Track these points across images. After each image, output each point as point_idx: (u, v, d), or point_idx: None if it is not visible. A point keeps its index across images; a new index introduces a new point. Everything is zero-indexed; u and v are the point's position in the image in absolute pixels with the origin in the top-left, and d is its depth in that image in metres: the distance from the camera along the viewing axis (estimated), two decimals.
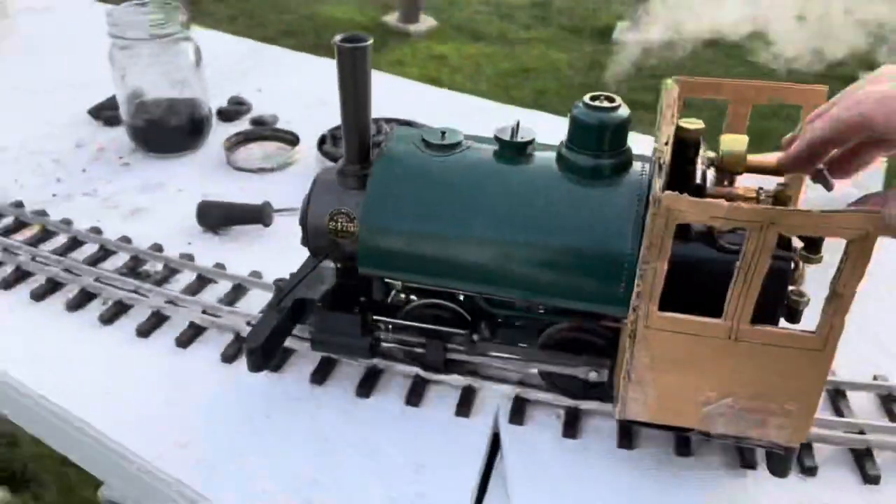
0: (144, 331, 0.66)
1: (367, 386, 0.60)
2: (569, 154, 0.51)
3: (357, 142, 0.55)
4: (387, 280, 0.56)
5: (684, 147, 0.49)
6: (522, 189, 0.50)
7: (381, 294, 0.57)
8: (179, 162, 0.93)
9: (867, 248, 0.40)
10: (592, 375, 0.54)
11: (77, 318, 0.68)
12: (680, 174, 0.50)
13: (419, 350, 0.58)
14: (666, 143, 0.44)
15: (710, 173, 0.50)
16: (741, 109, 0.56)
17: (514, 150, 0.52)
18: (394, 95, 0.91)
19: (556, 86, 2.97)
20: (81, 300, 0.69)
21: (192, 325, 0.66)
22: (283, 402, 0.60)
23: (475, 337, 0.56)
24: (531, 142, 0.52)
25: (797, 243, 0.47)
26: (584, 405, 0.57)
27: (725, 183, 0.50)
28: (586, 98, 0.50)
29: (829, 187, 0.49)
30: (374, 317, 0.57)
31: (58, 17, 1.36)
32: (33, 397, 0.61)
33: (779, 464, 0.50)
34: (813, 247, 0.46)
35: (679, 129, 0.48)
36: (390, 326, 0.58)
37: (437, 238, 0.51)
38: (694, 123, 0.49)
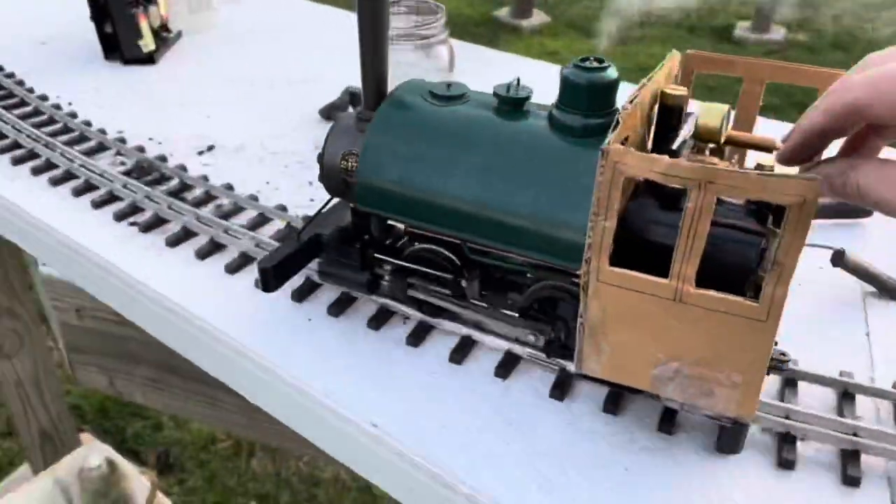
0: None
1: (376, 321, 0.65)
2: (558, 113, 0.52)
3: (374, 89, 0.59)
4: (388, 221, 0.60)
5: (668, 113, 0.50)
6: (508, 141, 0.53)
7: (379, 232, 0.60)
8: None
9: (805, 216, 0.40)
10: (530, 339, 0.56)
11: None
12: (660, 139, 0.50)
13: (413, 292, 0.61)
14: (631, 101, 0.45)
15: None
16: (755, 88, 0.55)
17: (509, 104, 0.54)
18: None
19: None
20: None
21: None
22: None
23: (463, 284, 0.59)
24: (527, 98, 0.54)
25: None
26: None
27: (707, 153, 0.50)
28: (576, 60, 0.51)
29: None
30: (375, 255, 0.61)
31: (253, 8, 1.44)
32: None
33: (728, 439, 0.49)
34: (779, 215, 0.45)
35: (663, 94, 0.49)
36: (388, 266, 0.62)
37: (423, 181, 0.54)
38: (678, 90, 0.49)
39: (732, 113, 0.50)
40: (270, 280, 0.62)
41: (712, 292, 0.44)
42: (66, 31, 1.27)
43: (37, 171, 0.87)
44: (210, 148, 0.94)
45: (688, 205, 0.42)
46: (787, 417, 0.55)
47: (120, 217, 0.79)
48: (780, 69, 0.54)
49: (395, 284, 0.62)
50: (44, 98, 1.03)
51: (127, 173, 0.85)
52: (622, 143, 0.47)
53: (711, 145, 0.50)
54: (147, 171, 0.85)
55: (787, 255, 0.41)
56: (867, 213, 0.79)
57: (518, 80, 0.55)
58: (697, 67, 0.56)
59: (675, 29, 3.26)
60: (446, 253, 0.59)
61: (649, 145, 0.51)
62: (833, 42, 3.54)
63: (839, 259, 0.67)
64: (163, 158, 0.89)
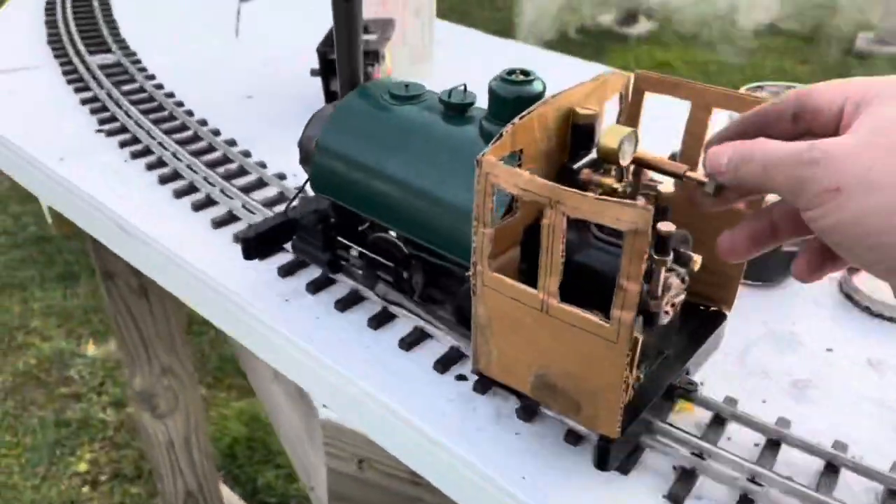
0: None
1: (343, 303, 0.69)
2: (486, 123, 0.55)
3: (349, 82, 0.64)
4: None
5: (578, 133, 0.51)
6: (438, 144, 0.56)
7: (336, 216, 0.65)
8: None
9: (639, 243, 0.40)
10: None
11: None
12: (575, 157, 0.52)
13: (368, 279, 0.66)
14: (521, 118, 0.47)
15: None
16: (702, 114, 0.55)
17: (452, 109, 0.57)
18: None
19: None
20: None
21: None
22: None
23: (405, 275, 0.62)
24: (470, 104, 0.57)
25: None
26: None
27: (614, 173, 0.51)
28: (503, 73, 0.53)
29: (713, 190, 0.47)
30: (338, 237, 0.66)
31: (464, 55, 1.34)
32: None
33: (599, 455, 0.50)
34: (660, 244, 0.46)
35: (573, 113, 0.50)
36: (351, 250, 0.66)
37: (364, 172, 0.58)
38: (588, 109, 0.50)
39: (638, 135, 0.50)
40: (251, 249, 0.68)
41: (573, 308, 0.45)
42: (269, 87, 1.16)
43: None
44: None
45: (543, 221, 0.43)
46: (699, 454, 0.54)
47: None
48: (726, 96, 0.53)
49: (357, 268, 0.66)
50: (262, 165, 0.90)
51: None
52: (519, 156, 0.49)
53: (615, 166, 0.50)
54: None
55: (627, 280, 0.42)
56: None
57: (465, 86, 0.58)
58: (647, 88, 0.56)
59: (791, 40, 3.04)
60: (398, 243, 0.63)
61: (567, 161, 0.52)
62: None
63: None
64: None
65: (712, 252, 0.58)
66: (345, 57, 0.62)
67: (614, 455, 0.50)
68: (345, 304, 0.68)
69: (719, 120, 0.54)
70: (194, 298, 0.77)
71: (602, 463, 0.50)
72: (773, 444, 0.56)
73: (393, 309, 0.66)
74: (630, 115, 0.57)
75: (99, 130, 0.99)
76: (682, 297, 0.52)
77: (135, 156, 0.93)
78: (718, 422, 0.57)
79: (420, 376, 0.61)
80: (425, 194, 0.55)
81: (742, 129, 0.46)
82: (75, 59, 1.19)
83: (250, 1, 1.36)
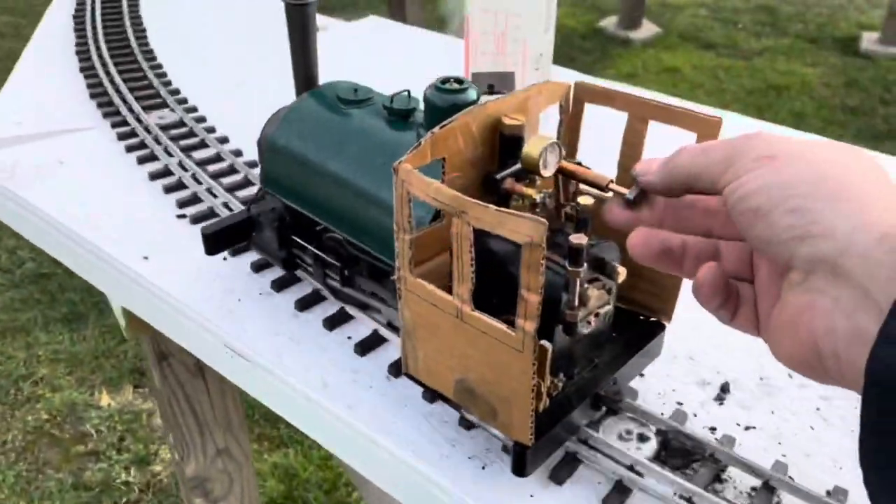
0: None
1: (304, 302, 0.70)
2: (422, 131, 0.56)
3: (304, 84, 0.65)
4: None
5: (504, 142, 0.51)
6: (374, 149, 0.57)
7: (291, 215, 0.66)
8: None
9: (535, 256, 0.41)
10: None
11: None
12: (503, 167, 0.52)
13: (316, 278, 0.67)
14: (441, 127, 0.48)
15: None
16: (638, 126, 0.55)
17: (395, 115, 0.58)
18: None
19: (814, 107, 2.65)
20: None
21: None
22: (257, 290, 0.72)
23: (346, 273, 0.64)
24: (412, 110, 0.58)
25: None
26: None
27: (538, 181, 0.51)
28: (437, 81, 0.54)
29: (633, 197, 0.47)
30: (292, 236, 0.68)
31: None
32: None
33: (516, 462, 0.51)
34: (572, 256, 0.46)
35: (500, 123, 0.51)
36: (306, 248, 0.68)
37: (305, 171, 0.60)
38: (515, 119, 0.51)
39: (562, 146, 0.50)
40: (210, 244, 0.70)
41: (483, 315, 0.46)
42: None
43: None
44: None
45: (451, 230, 0.44)
46: (630, 468, 0.54)
47: None
48: (661, 109, 0.54)
49: (310, 266, 0.68)
50: None
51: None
52: (442, 164, 0.50)
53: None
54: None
55: (528, 291, 0.43)
56: None
57: (408, 91, 0.59)
58: (586, 99, 0.57)
59: (796, 40, 2.98)
60: (343, 243, 0.64)
61: (493, 171, 0.53)
62: None
63: None
64: None
65: None
66: (300, 60, 0.64)
67: (531, 461, 0.51)
68: (304, 306, 0.70)
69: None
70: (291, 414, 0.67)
71: (518, 469, 0.51)
72: (713, 461, 0.56)
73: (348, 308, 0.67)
74: (570, 125, 0.58)
75: (180, 216, 0.82)
76: (609, 307, 0.53)
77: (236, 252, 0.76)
78: (659, 435, 0.58)
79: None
80: (362, 197, 0.56)
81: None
82: (129, 118, 1.01)
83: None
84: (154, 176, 0.89)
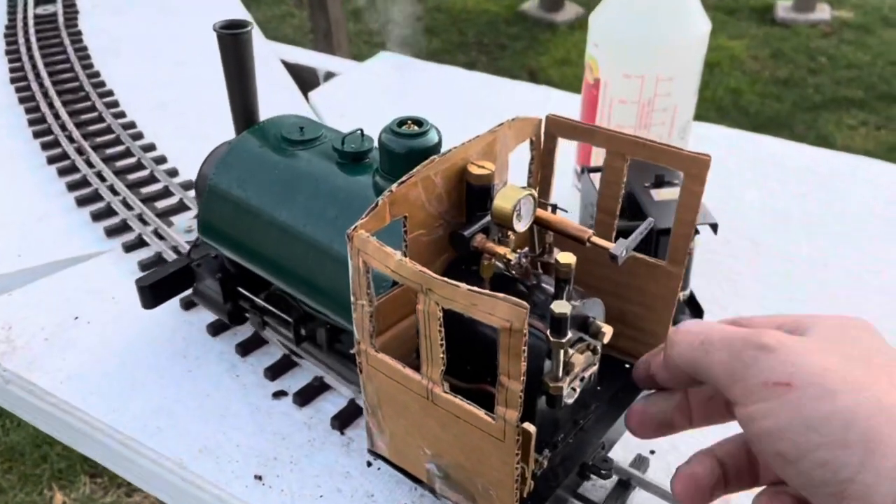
0: None
1: (246, 346, 0.64)
2: (379, 178, 0.49)
3: (244, 122, 0.58)
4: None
5: (472, 194, 0.46)
6: (326, 196, 0.50)
7: (230, 264, 0.60)
8: None
9: (516, 341, 0.35)
10: None
11: None
12: (473, 220, 0.47)
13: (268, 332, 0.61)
14: (400, 184, 0.41)
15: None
16: (618, 162, 0.50)
17: (346, 158, 0.52)
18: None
19: (748, 82, 2.68)
20: None
21: None
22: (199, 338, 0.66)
23: (303, 332, 0.57)
24: (366, 152, 0.52)
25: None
26: None
27: (512, 236, 0.46)
28: (393, 124, 0.48)
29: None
30: (238, 287, 0.61)
31: None
32: None
33: None
34: (555, 326, 0.41)
35: (466, 172, 0.45)
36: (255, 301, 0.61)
37: (246, 222, 0.53)
38: (483, 167, 0.45)
39: (536, 196, 0.45)
40: (147, 297, 0.63)
41: (458, 399, 0.40)
42: None
43: None
44: None
45: (418, 307, 0.38)
46: None
47: None
48: (644, 147, 0.48)
49: (254, 319, 0.61)
50: None
51: None
52: (403, 223, 0.44)
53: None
54: None
55: (508, 378, 0.37)
56: None
57: (361, 131, 0.53)
58: (559, 134, 0.51)
59: (716, 13, 3.00)
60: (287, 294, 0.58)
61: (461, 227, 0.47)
62: (885, 19, 3.15)
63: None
64: None
65: (636, 306, 0.53)
66: (237, 93, 0.57)
67: None
68: (246, 351, 0.63)
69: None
70: None
71: None
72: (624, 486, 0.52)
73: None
74: (542, 161, 0.52)
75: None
76: (594, 368, 0.48)
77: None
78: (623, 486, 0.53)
79: None
80: (312, 253, 0.50)
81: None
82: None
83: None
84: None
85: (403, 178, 0.42)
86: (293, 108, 0.87)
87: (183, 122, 0.99)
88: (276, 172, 0.53)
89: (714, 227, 0.61)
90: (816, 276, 0.73)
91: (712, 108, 2.68)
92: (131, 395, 0.60)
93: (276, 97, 1.05)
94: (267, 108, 0.60)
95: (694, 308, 0.67)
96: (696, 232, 0.61)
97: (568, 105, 1.03)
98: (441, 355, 0.39)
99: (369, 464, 0.54)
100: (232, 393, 0.60)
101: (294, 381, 0.61)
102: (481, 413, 0.40)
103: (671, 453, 0.56)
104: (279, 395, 0.60)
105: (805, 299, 0.70)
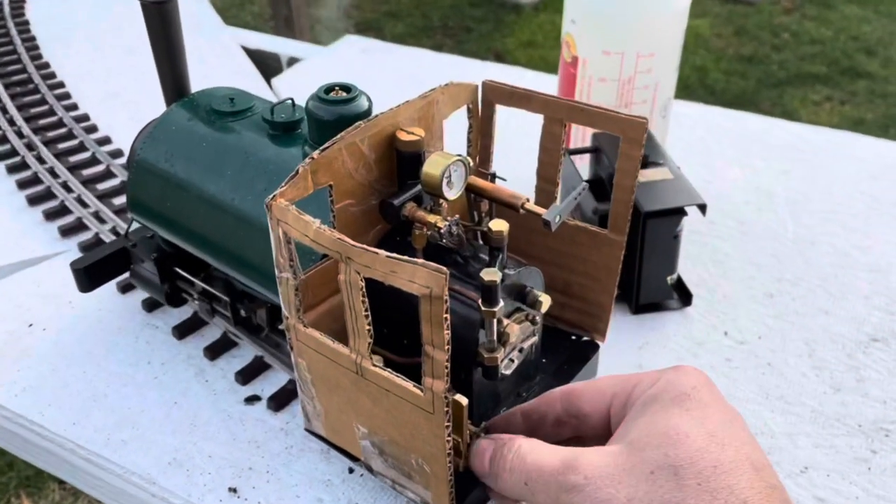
0: None
1: (214, 349, 0.61)
2: (308, 149, 0.48)
3: (173, 91, 0.56)
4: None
5: (402, 161, 0.44)
6: (255, 169, 0.49)
7: (164, 245, 0.58)
8: None
9: (437, 308, 0.34)
10: None
11: None
12: (404, 188, 0.45)
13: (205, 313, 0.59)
14: (322, 151, 0.40)
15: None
16: (556, 128, 0.49)
17: (277, 128, 0.50)
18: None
19: (713, 60, 2.68)
20: None
21: None
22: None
23: (242, 312, 0.56)
24: (297, 122, 0.50)
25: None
26: None
27: (444, 205, 0.44)
28: (320, 91, 0.46)
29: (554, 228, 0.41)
30: (176, 268, 0.59)
31: None
32: None
33: None
34: (486, 295, 0.40)
35: (395, 138, 0.44)
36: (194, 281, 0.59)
37: (179, 197, 0.51)
38: (412, 134, 0.43)
39: (469, 162, 0.43)
40: (83, 280, 0.61)
41: (385, 372, 0.39)
42: None
43: None
44: None
45: (339, 277, 0.37)
46: None
47: None
48: (580, 111, 0.47)
49: (201, 304, 0.59)
50: None
51: None
52: (329, 192, 0.42)
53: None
54: None
55: (433, 348, 0.36)
56: None
57: (292, 100, 0.51)
58: (497, 101, 0.50)
59: None
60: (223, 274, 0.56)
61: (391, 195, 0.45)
62: None
63: None
64: None
65: (580, 276, 0.52)
66: (165, 66, 0.55)
67: None
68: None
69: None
70: None
71: None
72: None
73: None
74: (481, 129, 0.51)
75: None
76: (535, 338, 0.47)
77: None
78: None
79: None
80: (242, 227, 0.48)
81: (517, 420, 0.43)
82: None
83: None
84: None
85: (326, 144, 0.40)
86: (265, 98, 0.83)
87: (137, 112, 0.96)
88: (204, 145, 0.51)
89: (703, 207, 0.60)
90: (804, 255, 0.71)
91: (679, 86, 2.68)
92: (92, 406, 0.57)
93: (237, 85, 1.01)
94: None
95: (682, 293, 0.66)
96: (684, 213, 0.60)
97: (542, 86, 1.01)
98: (367, 327, 0.38)
99: (351, 470, 0.51)
100: (201, 400, 0.57)
101: (268, 385, 0.58)
102: (410, 385, 0.38)
103: None
104: (252, 399, 0.57)
105: (793, 280, 0.68)
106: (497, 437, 0.40)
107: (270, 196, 0.38)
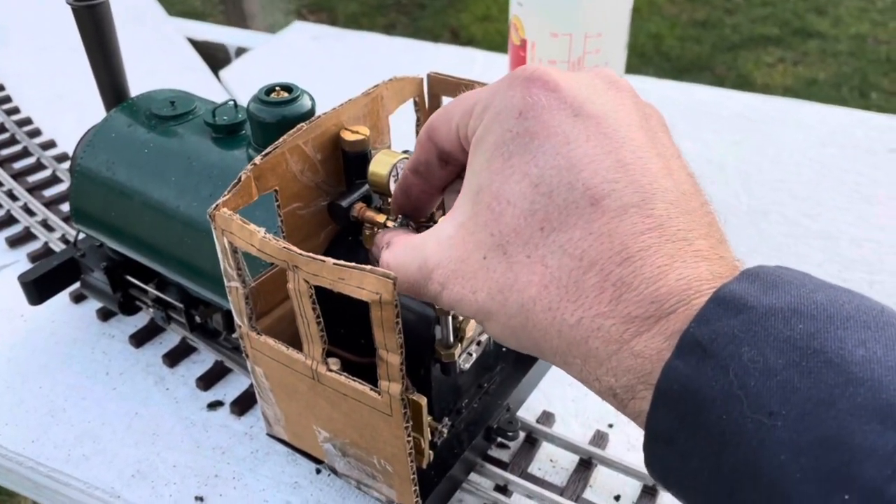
0: None
1: (173, 356, 0.60)
2: (252, 152, 0.47)
3: (113, 100, 0.54)
4: None
5: (349, 161, 0.43)
6: (199, 174, 0.48)
7: (113, 253, 0.57)
8: None
9: (388, 314, 0.34)
10: None
11: None
12: (353, 188, 0.44)
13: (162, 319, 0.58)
14: (264, 156, 0.39)
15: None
16: None
17: (219, 131, 0.49)
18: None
19: (668, 26, 2.70)
20: None
21: None
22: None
23: (196, 318, 0.55)
24: (239, 124, 0.49)
25: None
26: None
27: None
28: (260, 93, 0.45)
29: None
30: (127, 276, 0.58)
31: None
32: None
33: None
34: None
35: (340, 138, 0.43)
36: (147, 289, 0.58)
37: (121, 205, 0.50)
38: (356, 133, 0.43)
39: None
40: (32, 293, 0.59)
41: (342, 377, 0.39)
42: None
43: None
44: None
45: (288, 285, 0.36)
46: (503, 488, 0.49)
47: None
48: None
49: (156, 312, 0.58)
50: None
51: None
52: (275, 197, 0.41)
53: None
54: None
55: (386, 352, 0.35)
56: None
57: (234, 101, 0.50)
58: (442, 92, 0.49)
59: None
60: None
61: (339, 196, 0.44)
62: None
63: None
64: None
65: None
66: (101, 70, 0.53)
67: None
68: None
69: None
70: None
71: None
72: (585, 465, 0.51)
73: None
74: None
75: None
76: None
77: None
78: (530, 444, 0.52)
79: None
80: (188, 235, 0.47)
81: (405, 192, 0.37)
82: None
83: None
84: None
85: (268, 149, 0.39)
86: (202, 89, 0.82)
87: (83, 114, 0.92)
88: (146, 152, 0.50)
89: None
90: (757, 226, 0.72)
91: (634, 54, 2.68)
92: (50, 422, 0.56)
93: (183, 79, 0.99)
94: None
95: None
96: None
97: (495, 66, 1.01)
98: (320, 333, 0.38)
99: (318, 471, 0.51)
100: (163, 408, 0.56)
101: (230, 389, 0.57)
102: (367, 389, 0.38)
103: (630, 425, 0.54)
104: (215, 405, 0.56)
105: (747, 251, 0.69)
106: (377, 241, 0.36)
107: (213, 206, 0.37)
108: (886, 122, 0.86)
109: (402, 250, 0.33)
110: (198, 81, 1.01)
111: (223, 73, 1.05)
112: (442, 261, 0.30)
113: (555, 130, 0.27)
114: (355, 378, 0.38)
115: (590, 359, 0.26)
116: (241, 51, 1.14)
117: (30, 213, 0.75)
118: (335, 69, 1.05)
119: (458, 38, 2.77)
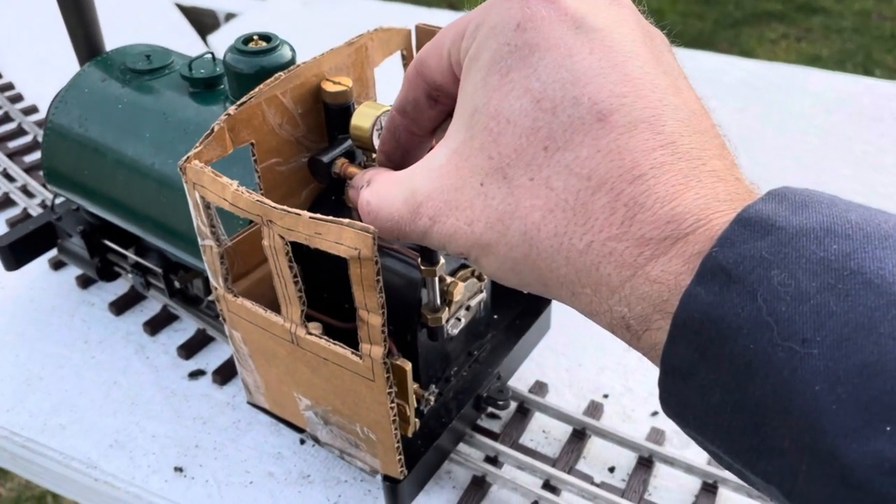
0: None
1: (154, 323, 0.58)
2: (230, 105, 0.44)
3: (87, 54, 0.52)
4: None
5: (330, 114, 0.41)
6: (175, 129, 0.45)
7: (90, 217, 0.54)
8: None
9: (367, 270, 0.32)
10: None
11: None
12: (335, 143, 0.42)
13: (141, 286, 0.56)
14: (239, 106, 0.37)
15: None
16: None
17: (196, 85, 0.47)
18: None
19: (671, 2, 2.68)
20: None
21: None
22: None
23: (176, 283, 0.53)
24: (217, 77, 0.47)
25: None
26: None
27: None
28: (238, 42, 0.43)
29: None
30: (105, 241, 0.56)
31: None
32: None
33: (389, 499, 0.43)
34: (425, 254, 0.37)
35: (321, 89, 0.40)
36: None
37: (95, 163, 0.48)
38: (339, 84, 0.40)
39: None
40: (8, 258, 0.57)
41: (321, 340, 0.37)
42: None
43: None
44: None
45: (263, 242, 0.34)
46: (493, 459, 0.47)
47: None
48: None
49: (135, 277, 0.56)
50: None
51: None
52: (252, 151, 0.39)
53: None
54: None
55: (367, 313, 0.33)
56: None
57: (212, 54, 0.47)
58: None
59: None
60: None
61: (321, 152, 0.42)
62: None
63: None
64: None
65: None
66: (75, 23, 0.50)
67: (407, 494, 0.43)
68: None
69: None
70: None
71: (394, 501, 0.43)
72: (579, 436, 0.49)
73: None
74: None
75: None
76: (482, 295, 0.45)
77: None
78: (522, 413, 0.51)
79: None
80: (164, 192, 0.45)
81: (393, 134, 0.34)
82: None
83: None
84: None
85: (243, 98, 0.37)
86: (190, 54, 0.79)
87: (67, 79, 0.91)
88: (119, 107, 0.47)
89: None
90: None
91: None
92: (26, 390, 0.54)
93: (170, 44, 0.96)
94: None
95: None
96: None
97: None
98: (298, 294, 0.35)
99: (302, 441, 0.49)
100: (143, 377, 0.55)
101: (213, 358, 0.56)
102: (347, 352, 0.36)
103: (626, 396, 0.53)
104: (196, 374, 0.55)
105: None
106: (354, 181, 0.33)
107: (184, 157, 0.35)
108: (893, 90, 0.84)
109: (384, 186, 0.30)
110: (186, 46, 0.98)
111: (211, 37, 1.02)
112: (433, 192, 0.27)
113: (556, 42, 0.24)
114: (335, 341, 0.36)
115: (601, 287, 0.24)
116: (230, 16, 1.11)
117: (10, 178, 0.73)
118: (326, 35, 1.02)
119: (457, 8, 2.73)
